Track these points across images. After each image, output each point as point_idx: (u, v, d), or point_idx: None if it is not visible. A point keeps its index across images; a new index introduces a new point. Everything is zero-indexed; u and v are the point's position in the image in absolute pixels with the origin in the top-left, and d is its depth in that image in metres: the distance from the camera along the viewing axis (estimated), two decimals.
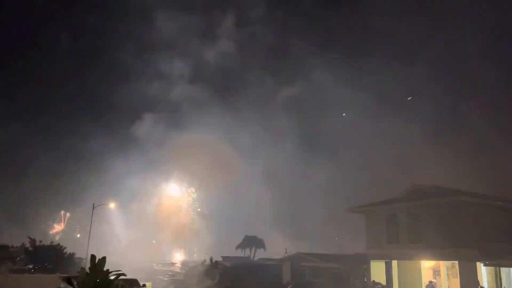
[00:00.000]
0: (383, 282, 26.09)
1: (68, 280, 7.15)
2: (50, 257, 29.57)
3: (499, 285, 22.52)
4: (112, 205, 46.65)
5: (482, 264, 22.38)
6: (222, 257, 51.98)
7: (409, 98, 62.00)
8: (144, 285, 27.63)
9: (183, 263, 55.03)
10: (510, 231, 23.57)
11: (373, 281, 25.56)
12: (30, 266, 29.07)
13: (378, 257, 27.02)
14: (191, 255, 76.08)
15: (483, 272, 23.00)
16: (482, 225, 23.42)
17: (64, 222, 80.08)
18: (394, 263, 26.56)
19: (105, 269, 7.32)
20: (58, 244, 31.68)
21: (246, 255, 56.81)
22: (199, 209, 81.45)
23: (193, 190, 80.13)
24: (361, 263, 28.80)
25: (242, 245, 57.40)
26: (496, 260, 21.55)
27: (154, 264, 61.81)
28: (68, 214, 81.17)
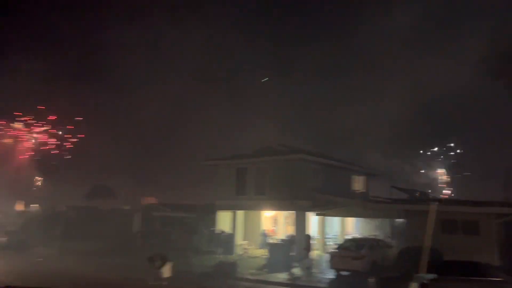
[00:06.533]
0: (230, 231, 28.19)
1: None
2: None
3: (322, 230, 27.04)
4: None
5: (314, 214, 25.94)
6: (66, 206, 48.75)
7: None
8: None
9: (18, 214, 50.04)
10: (337, 185, 27.77)
11: (220, 229, 27.54)
12: None
13: (226, 208, 28.79)
14: (27, 204, 68.84)
15: (315, 220, 26.91)
16: (316, 180, 26.94)
17: None
18: (240, 213, 28.82)
19: None
20: None
21: (94, 205, 54.16)
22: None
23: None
24: (212, 212, 30.33)
25: (90, 195, 54.50)
26: (324, 210, 25.24)
27: None
28: None
